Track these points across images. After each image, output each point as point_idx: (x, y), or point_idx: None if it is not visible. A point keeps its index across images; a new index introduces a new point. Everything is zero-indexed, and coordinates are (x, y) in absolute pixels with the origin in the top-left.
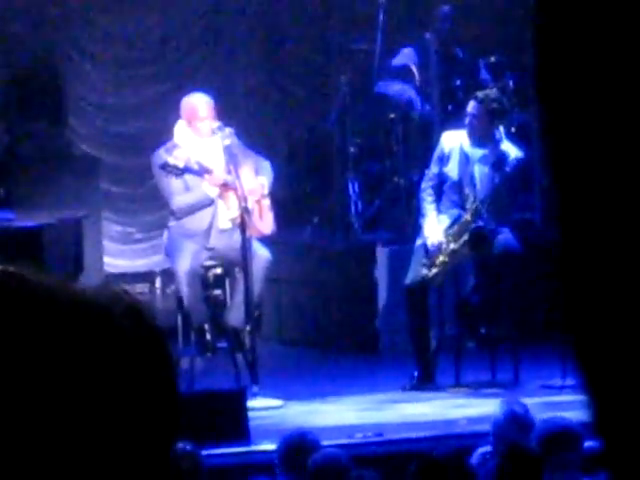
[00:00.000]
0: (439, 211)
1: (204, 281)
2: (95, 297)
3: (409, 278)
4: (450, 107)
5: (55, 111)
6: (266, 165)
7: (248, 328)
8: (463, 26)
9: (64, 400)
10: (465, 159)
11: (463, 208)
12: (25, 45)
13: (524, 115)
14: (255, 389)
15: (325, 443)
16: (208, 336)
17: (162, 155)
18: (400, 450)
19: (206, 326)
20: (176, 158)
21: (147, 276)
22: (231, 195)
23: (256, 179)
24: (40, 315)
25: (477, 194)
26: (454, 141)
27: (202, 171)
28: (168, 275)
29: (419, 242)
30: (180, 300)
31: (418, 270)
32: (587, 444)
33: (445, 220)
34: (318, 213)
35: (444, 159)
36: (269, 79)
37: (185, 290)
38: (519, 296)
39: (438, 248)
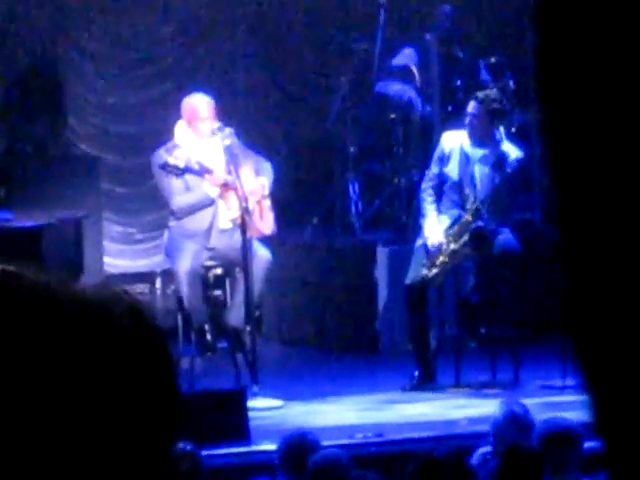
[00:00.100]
0: (439, 211)
1: (204, 281)
2: (95, 297)
3: (409, 278)
4: (450, 107)
5: (55, 111)
6: (267, 166)
7: (248, 328)
8: (463, 26)
9: (64, 400)
10: (465, 159)
11: (463, 208)
12: (25, 45)
13: (524, 115)
14: (255, 389)
15: (325, 443)
16: (208, 336)
17: (162, 155)
18: (400, 450)
19: (206, 326)
20: (176, 158)
21: (147, 276)
22: (231, 195)
23: (256, 180)
24: (40, 315)
25: (477, 194)
26: (454, 141)
27: (202, 171)
28: (168, 275)
29: (419, 242)
30: (180, 300)
31: (418, 270)
32: (587, 444)
33: (445, 220)
34: (318, 213)
35: (444, 159)
36: (269, 79)
37: (185, 290)
38: (519, 296)
39: (438, 248)
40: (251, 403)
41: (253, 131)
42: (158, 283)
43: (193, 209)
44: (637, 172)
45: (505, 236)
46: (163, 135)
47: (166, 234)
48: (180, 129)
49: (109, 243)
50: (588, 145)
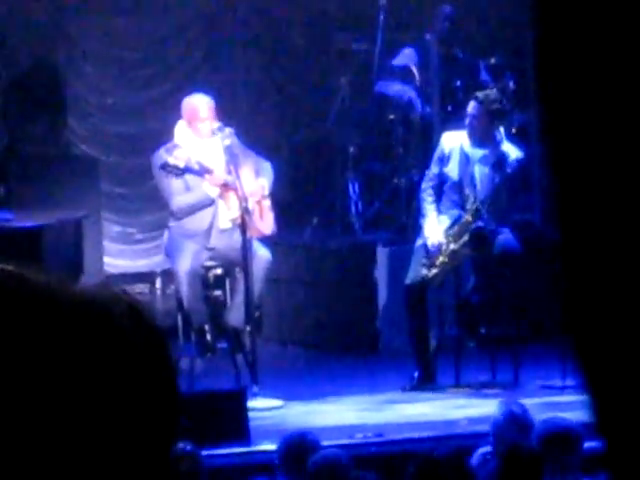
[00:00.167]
0: (439, 211)
1: (204, 281)
2: (95, 297)
3: (409, 278)
4: (450, 108)
5: (55, 111)
6: (267, 166)
7: (248, 328)
8: (463, 27)
9: (64, 400)
10: (465, 159)
11: (463, 208)
12: (25, 45)
13: (524, 116)
14: (255, 389)
15: (325, 443)
16: (208, 336)
17: (162, 155)
18: (400, 450)
19: (206, 326)
20: (176, 158)
21: (147, 276)
22: (231, 195)
23: (257, 180)
24: (40, 315)
25: (477, 194)
26: (454, 141)
27: (202, 171)
28: (168, 275)
29: (419, 242)
30: (180, 300)
31: (418, 270)
32: (587, 444)
33: (445, 220)
34: (318, 213)
35: (444, 159)
36: (269, 79)
37: (185, 290)
38: (519, 296)
39: (438, 248)
40: (251, 403)
41: (253, 131)
42: (158, 283)
43: (193, 209)
44: (637, 171)
45: (505, 236)
46: (163, 135)
47: (166, 234)
48: (180, 129)
49: (109, 243)
50: (588, 145)
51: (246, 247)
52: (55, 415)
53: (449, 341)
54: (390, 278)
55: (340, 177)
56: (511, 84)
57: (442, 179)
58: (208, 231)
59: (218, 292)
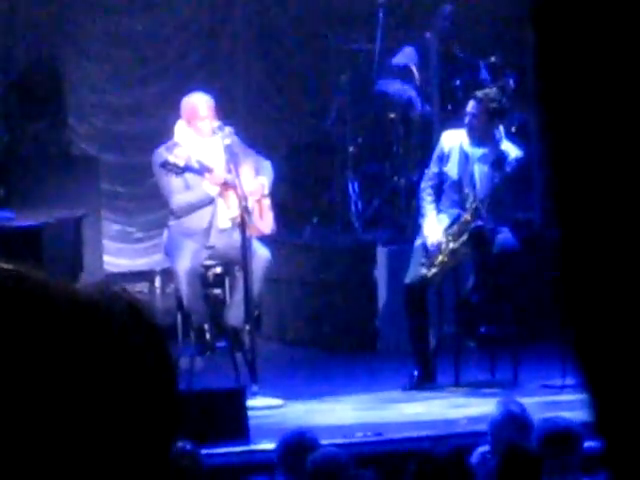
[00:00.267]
0: (439, 211)
1: (204, 280)
2: (94, 296)
3: (408, 277)
4: (450, 107)
5: (55, 111)
6: (267, 165)
7: (248, 327)
8: (463, 26)
9: (63, 400)
10: (465, 159)
11: (463, 208)
12: (25, 44)
13: (524, 115)
14: (255, 388)
15: (324, 442)
16: (208, 335)
17: (162, 153)
18: (400, 449)
19: (206, 325)
20: (176, 156)
21: (147, 275)
22: (231, 194)
23: (256, 179)
24: (39, 314)
25: (477, 194)
26: (454, 140)
27: (202, 170)
28: (168, 274)
29: (419, 242)
30: (180, 299)
31: (417, 270)
32: (587, 444)
33: (445, 220)
34: (318, 213)
35: (444, 158)
36: (269, 79)
37: (185, 289)
38: (519, 295)
39: (438, 248)
40: (250, 402)
41: (253, 131)
42: (157, 282)
43: (193, 208)
44: (637, 170)
45: (504, 235)
46: (163, 134)
47: (166, 233)
48: (180, 128)
49: (109, 242)
50: (587, 144)
51: (246, 246)
52: (54, 414)
53: (449, 340)
54: (390, 277)
55: (340, 176)
56: (511, 83)
57: (442, 178)
58: (208, 230)
59: (217, 291)
